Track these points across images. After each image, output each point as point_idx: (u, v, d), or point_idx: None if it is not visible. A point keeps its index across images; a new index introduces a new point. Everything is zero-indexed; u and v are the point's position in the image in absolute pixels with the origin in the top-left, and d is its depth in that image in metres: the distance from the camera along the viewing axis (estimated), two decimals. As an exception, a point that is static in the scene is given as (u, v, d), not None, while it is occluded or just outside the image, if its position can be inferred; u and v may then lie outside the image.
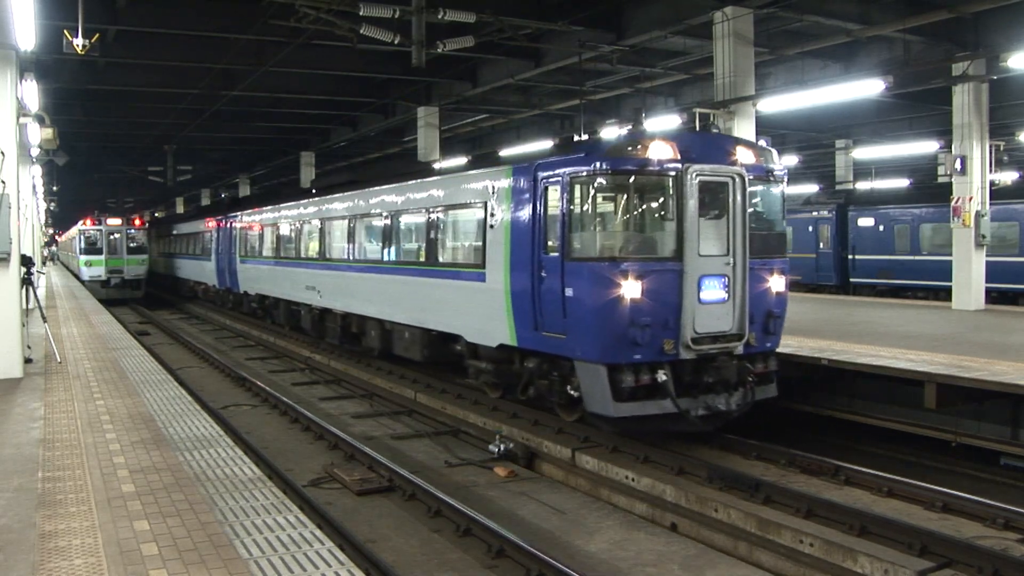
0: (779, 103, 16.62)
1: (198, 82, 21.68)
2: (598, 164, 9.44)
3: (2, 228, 10.75)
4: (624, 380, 9.19)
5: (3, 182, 10.70)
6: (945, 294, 20.21)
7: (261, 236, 23.12)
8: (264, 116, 28.55)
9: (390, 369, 16.23)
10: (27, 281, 13.41)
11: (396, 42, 14.41)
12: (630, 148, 9.41)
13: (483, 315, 11.46)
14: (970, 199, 17.57)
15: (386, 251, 14.86)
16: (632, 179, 9.47)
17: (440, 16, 14.00)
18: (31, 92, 13.83)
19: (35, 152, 21.47)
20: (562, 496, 9.42)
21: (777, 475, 9.03)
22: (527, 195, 10.48)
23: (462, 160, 15.94)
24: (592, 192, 9.65)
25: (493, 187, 11.33)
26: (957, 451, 10.31)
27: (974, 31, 17.07)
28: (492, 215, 11.26)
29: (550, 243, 9.99)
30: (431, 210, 13.18)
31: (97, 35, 13.29)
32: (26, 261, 13.06)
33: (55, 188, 43.10)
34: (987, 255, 18.18)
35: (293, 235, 20.16)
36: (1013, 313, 17.38)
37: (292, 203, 20.53)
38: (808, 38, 18.11)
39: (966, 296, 17.71)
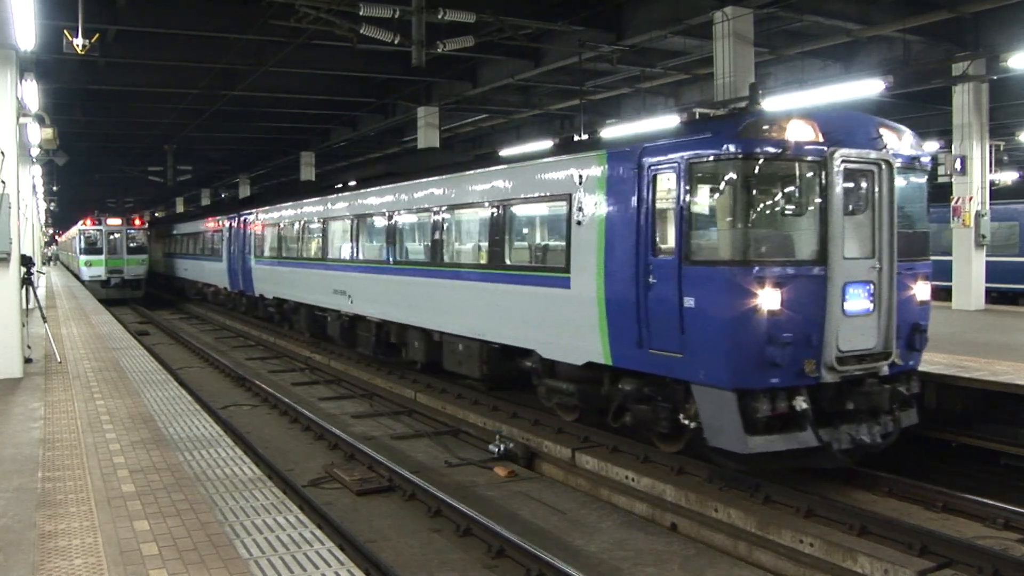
0: (779, 103, 16.58)
1: (198, 82, 21.68)
2: (729, 147, 7.92)
3: (2, 228, 10.76)
4: (758, 409, 7.76)
5: (3, 182, 10.71)
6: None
7: (280, 235, 21.42)
8: (264, 116, 28.55)
9: (390, 369, 16.23)
10: (27, 281, 13.42)
11: (396, 42, 14.41)
12: (766, 128, 7.95)
13: (565, 328, 9.97)
14: (970, 199, 17.58)
15: (436, 252, 13.16)
16: (769, 165, 8.00)
17: (440, 16, 14.00)
18: (31, 92, 13.84)
19: (35, 152, 21.48)
20: (562, 496, 9.42)
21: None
22: (629, 185, 8.93)
23: (537, 145, 14.23)
24: (721, 181, 8.05)
25: (581, 176, 9.76)
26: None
27: (974, 31, 17.07)
28: (579, 209, 9.72)
29: (661, 243, 8.55)
30: (496, 204, 11.54)
31: (97, 35, 13.30)
32: (26, 261, 13.06)
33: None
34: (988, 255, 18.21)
35: (319, 234, 18.41)
36: None
37: (317, 199, 18.84)
38: (808, 38, 18.12)
39: (966, 297, 17.74)
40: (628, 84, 21.99)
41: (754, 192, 8.02)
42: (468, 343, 12.38)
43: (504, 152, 15.22)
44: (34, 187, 28.71)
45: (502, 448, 10.62)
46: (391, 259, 14.75)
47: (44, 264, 44.12)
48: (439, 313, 13.06)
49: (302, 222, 19.60)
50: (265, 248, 22.72)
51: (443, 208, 13.09)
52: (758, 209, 8.13)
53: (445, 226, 13.14)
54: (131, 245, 35.29)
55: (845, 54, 19.51)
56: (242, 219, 25.05)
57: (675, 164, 8.39)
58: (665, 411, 8.93)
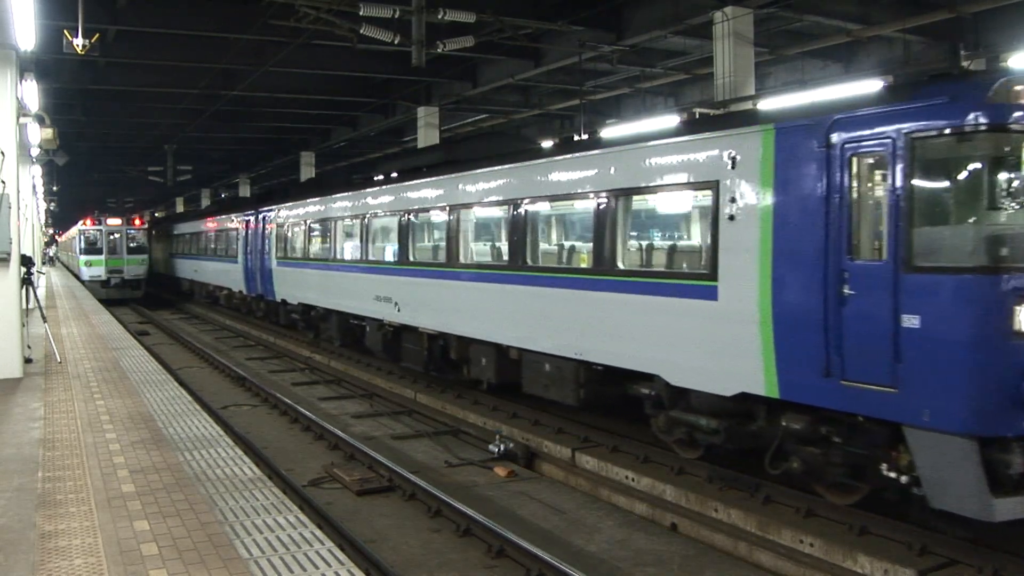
0: (779, 103, 16.55)
1: (198, 82, 21.68)
2: (978, 116, 6.13)
3: (2, 228, 10.77)
4: (1010, 462, 6.11)
5: (3, 182, 10.72)
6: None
7: (308, 234, 19.31)
8: (264, 116, 28.55)
9: (390, 369, 16.24)
10: (27, 281, 13.42)
11: (396, 42, 14.42)
12: (1020, 89, 6.19)
13: (707, 349, 8.08)
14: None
15: (516, 254, 11.09)
16: None
17: (440, 16, 14.01)
18: (31, 92, 13.84)
19: (35, 152, 21.51)
20: (562, 496, 9.42)
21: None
22: (811, 168, 7.13)
23: (655, 122, 11.57)
24: (964, 162, 6.30)
25: (734, 158, 7.88)
26: None
27: (974, 31, 17.07)
28: (732, 201, 7.85)
29: (864, 244, 6.80)
30: (603, 196, 9.56)
31: (97, 35, 13.31)
32: (26, 261, 13.07)
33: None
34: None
35: (358, 233, 16.28)
36: None
37: (355, 193, 16.63)
38: (808, 38, 18.12)
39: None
40: (628, 84, 21.99)
41: (1013, 178, 6.19)
42: (559, 363, 10.28)
43: (609, 132, 12.90)
44: (34, 187, 28.72)
45: (502, 448, 10.62)
46: (453, 262, 12.55)
47: (43, 264, 44.02)
48: (519, 326, 11.00)
49: (336, 219, 17.47)
50: (290, 248, 20.64)
51: (524, 201, 10.98)
52: (1020, 200, 6.23)
53: (528, 223, 11.02)
54: (131, 245, 35.31)
55: (845, 54, 19.51)
56: (261, 217, 22.98)
57: (887, 140, 6.55)
58: (846, 456, 7.23)
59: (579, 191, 10.22)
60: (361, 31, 14.28)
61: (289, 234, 20.74)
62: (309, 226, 19.31)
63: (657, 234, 10.63)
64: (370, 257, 15.74)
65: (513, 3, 15.96)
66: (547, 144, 12.48)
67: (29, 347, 12.54)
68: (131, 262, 35.13)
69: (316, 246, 19.04)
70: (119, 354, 13.75)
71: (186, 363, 19.18)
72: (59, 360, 12.65)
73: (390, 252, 15.12)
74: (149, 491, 6.25)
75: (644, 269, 9.57)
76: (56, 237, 74.40)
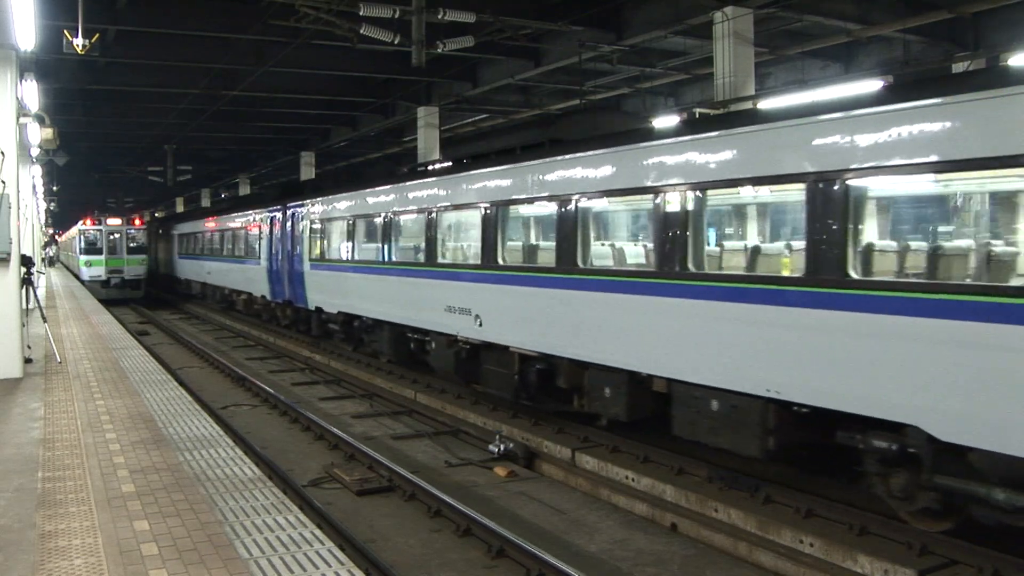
0: (779, 103, 16.53)
1: (198, 82, 21.68)
2: None
3: (2, 228, 10.76)
4: None
5: (3, 182, 10.72)
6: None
7: (353, 232, 16.67)
8: (264, 116, 28.54)
9: (390, 369, 16.23)
10: (27, 281, 13.42)
11: (396, 42, 14.43)
12: None
13: (1014, 394, 5.79)
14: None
15: (673, 256, 8.61)
16: None
17: (440, 16, 14.02)
18: (31, 92, 13.85)
19: (35, 152, 21.50)
20: (562, 496, 9.42)
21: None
22: None
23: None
24: None
25: None
26: None
27: (974, 31, 17.07)
28: None
29: None
30: (822, 180, 7.08)
31: (97, 35, 13.32)
32: (26, 261, 13.07)
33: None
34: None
35: (421, 230, 13.73)
36: None
37: (418, 183, 14.08)
38: (808, 38, 18.11)
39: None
40: (628, 84, 21.98)
41: None
42: (737, 402, 7.94)
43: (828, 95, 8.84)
44: (34, 187, 28.71)
45: (502, 448, 10.62)
46: (567, 266, 10.07)
47: (42, 263, 43.96)
48: (672, 351, 8.64)
49: (392, 215, 14.87)
50: (328, 249, 18.10)
51: (696, 187, 8.38)
52: None
53: (699, 217, 8.49)
54: (131, 245, 35.31)
55: (845, 54, 19.51)
56: (290, 213, 20.40)
57: None
58: None
59: (782, 173, 7.59)
60: (361, 31, 14.28)
61: (328, 232, 18.19)
62: (354, 223, 16.60)
63: (911, 232, 7.91)
64: (440, 259, 13.14)
65: (513, 3, 15.96)
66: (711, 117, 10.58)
67: (29, 347, 12.54)
68: (131, 262, 35.14)
69: (364, 246, 16.35)
70: (119, 354, 13.75)
71: (186, 363, 19.18)
72: (59, 360, 12.65)
73: (469, 253, 12.63)
74: (149, 491, 6.24)
75: (914, 279, 6.91)
76: (56, 237, 74.39)
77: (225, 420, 12.48)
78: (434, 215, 13.25)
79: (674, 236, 8.60)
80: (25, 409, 9.20)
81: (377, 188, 15.74)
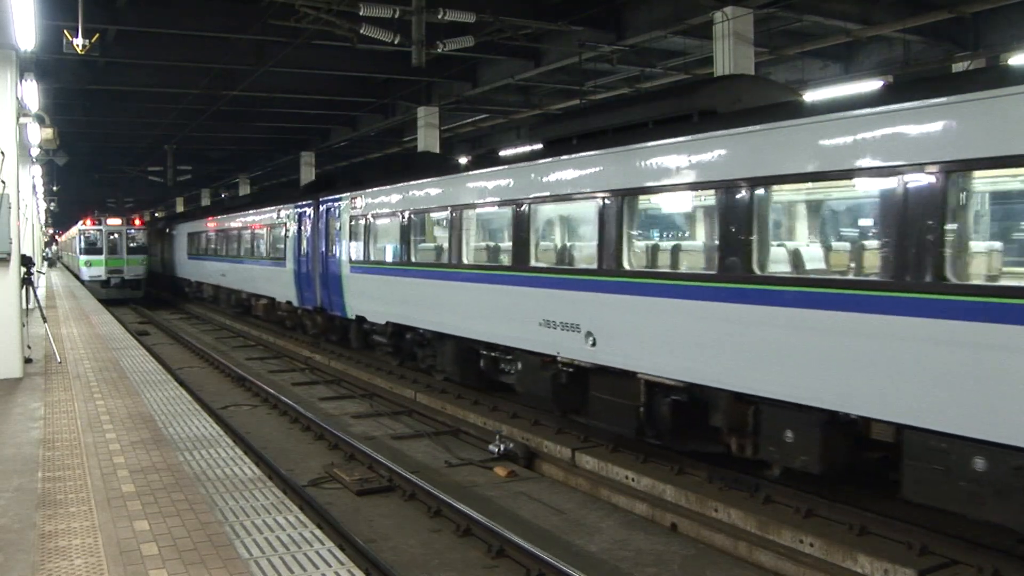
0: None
1: (198, 82, 21.68)
2: None
3: (2, 228, 10.77)
4: None
5: (3, 182, 10.72)
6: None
7: (406, 230, 14.38)
8: (264, 116, 28.54)
9: (390, 369, 16.23)
10: (27, 281, 13.42)
11: (396, 42, 14.42)
12: None
13: None
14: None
15: (919, 261, 6.42)
16: None
17: (440, 16, 14.01)
18: (31, 92, 13.85)
19: (35, 152, 21.51)
20: (562, 496, 9.42)
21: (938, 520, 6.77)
22: None
23: None
24: None
25: None
26: None
27: (974, 31, 17.07)
28: None
29: None
30: None
31: (97, 35, 13.32)
32: (26, 261, 13.07)
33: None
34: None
35: (505, 228, 12.01)
36: None
37: (499, 171, 11.84)
38: (808, 38, 18.11)
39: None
40: (628, 84, 21.98)
41: None
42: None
43: None
44: (34, 187, 28.72)
45: (502, 448, 10.62)
46: (740, 271, 7.85)
47: (43, 262, 43.92)
48: (912, 389, 6.42)
49: (465, 209, 12.50)
50: (375, 249, 15.86)
51: (956, 169, 6.20)
52: None
53: (960, 208, 6.30)
54: (131, 245, 35.32)
55: (845, 54, 19.51)
56: (324, 209, 18.35)
57: None
58: None
59: None
60: (361, 31, 14.28)
61: (374, 230, 15.90)
62: (410, 219, 14.30)
63: None
64: (534, 263, 10.85)
65: (513, 3, 15.96)
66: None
67: (29, 347, 12.54)
68: (131, 262, 35.15)
69: (424, 246, 14.28)
70: (119, 354, 13.75)
71: (186, 363, 19.18)
72: (59, 360, 12.65)
73: (579, 256, 10.57)
74: (149, 491, 6.24)
75: None
76: (56, 237, 74.39)
77: (225, 420, 12.49)
78: (526, 209, 10.86)
79: (925, 233, 6.33)
80: (25, 409, 9.20)
81: (443, 178, 13.34)
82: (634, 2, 16.82)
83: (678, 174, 8.66)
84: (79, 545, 5.14)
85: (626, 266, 9.24)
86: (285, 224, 21.01)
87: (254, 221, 24.30)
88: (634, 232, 9.48)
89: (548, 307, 10.42)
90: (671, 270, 9.18)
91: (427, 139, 24.54)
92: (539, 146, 11.46)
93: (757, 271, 7.78)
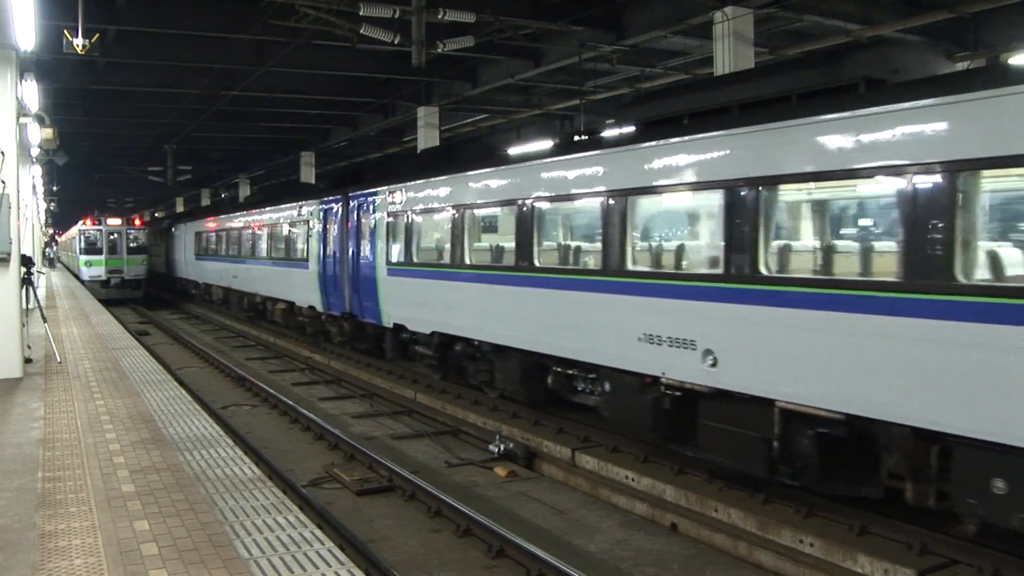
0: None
1: (198, 82, 21.69)
2: None
3: (2, 228, 10.77)
4: None
5: (3, 182, 10.72)
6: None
7: (459, 227, 12.61)
8: (264, 116, 28.55)
9: (390, 369, 16.23)
10: (27, 281, 13.42)
11: (396, 42, 14.43)
12: None
13: None
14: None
15: None
16: None
17: (440, 16, 14.02)
18: (31, 92, 13.85)
19: (35, 152, 21.52)
20: (562, 496, 9.42)
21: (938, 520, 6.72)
22: None
23: None
24: None
25: None
26: None
27: (974, 31, 17.06)
28: None
29: None
30: None
31: (97, 35, 13.32)
32: (26, 261, 13.07)
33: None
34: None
35: (590, 224, 10.54)
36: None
37: (581, 159, 10.09)
38: (808, 38, 18.12)
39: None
40: (628, 84, 21.98)
41: None
42: None
43: None
44: (34, 187, 28.73)
45: (502, 448, 10.62)
46: (938, 278, 6.30)
47: (43, 261, 43.90)
48: None
49: (536, 203, 10.89)
50: (418, 249, 14.23)
51: None
52: None
53: None
54: (131, 245, 35.32)
55: (845, 54, 19.49)
56: (355, 205, 16.66)
57: None
58: None
59: None
60: (361, 31, 14.28)
61: (416, 228, 14.23)
62: (464, 215, 12.54)
63: None
64: (631, 266, 9.26)
65: (513, 3, 15.96)
66: None
67: (29, 347, 12.54)
68: (131, 262, 35.14)
69: (480, 246, 12.71)
70: (119, 354, 13.75)
71: (186, 363, 19.18)
72: (59, 360, 12.65)
73: (693, 259, 8.97)
74: (149, 491, 6.24)
75: None
76: (56, 237, 74.39)
77: (225, 420, 12.48)
78: (620, 203, 9.29)
79: None
80: (25, 409, 9.20)
81: (509, 168, 11.68)
82: (634, 2, 16.83)
83: (841, 157, 7.00)
84: (79, 545, 5.14)
85: (764, 271, 7.62)
86: (308, 222, 19.32)
87: (272, 219, 22.56)
88: (777, 231, 7.95)
89: (651, 319, 8.83)
90: (836, 277, 7.41)
91: (427, 139, 24.53)
92: (631, 129, 9.76)
93: (962, 279, 6.12)
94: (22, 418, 8.73)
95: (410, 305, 14.24)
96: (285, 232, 21.35)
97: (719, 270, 8.07)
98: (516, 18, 15.63)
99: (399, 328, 14.73)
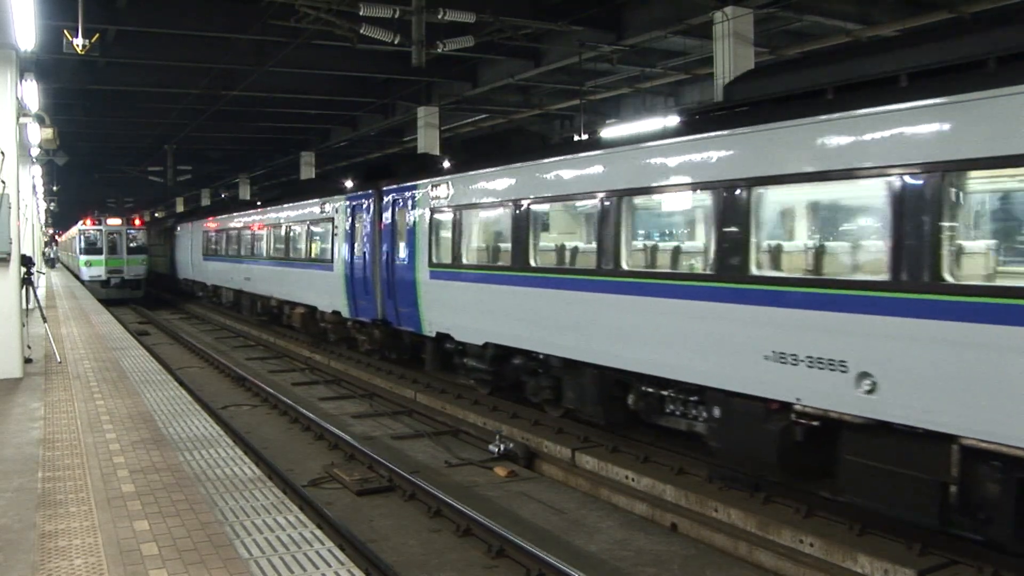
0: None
1: (198, 82, 21.70)
2: None
3: (2, 228, 10.77)
4: None
5: (3, 182, 10.72)
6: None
7: (522, 225, 11.00)
8: (264, 116, 28.57)
9: (390, 369, 16.23)
10: (27, 281, 13.42)
11: (396, 42, 14.44)
12: None
13: None
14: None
15: None
16: None
17: (440, 16, 14.03)
18: (31, 92, 13.85)
19: (35, 152, 21.52)
20: (562, 496, 9.42)
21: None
22: None
23: None
24: None
25: None
26: None
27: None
28: None
29: None
30: None
31: (97, 35, 13.32)
32: (26, 261, 13.07)
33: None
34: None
35: (703, 220, 8.80)
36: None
37: (691, 141, 8.51)
38: (808, 38, 18.12)
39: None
40: (628, 84, 21.99)
41: None
42: None
43: None
44: (34, 187, 28.72)
45: (502, 448, 10.61)
46: None
47: (43, 262, 43.91)
48: None
49: (623, 196, 9.33)
50: (468, 250, 12.64)
51: None
52: None
53: None
54: (131, 245, 35.32)
55: (845, 54, 19.50)
56: (391, 200, 14.97)
57: None
58: None
59: None
60: (361, 31, 14.30)
61: (468, 225, 12.64)
62: (528, 211, 10.90)
63: None
64: (756, 270, 7.77)
65: (513, 3, 15.97)
66: None
67: (29, 347, 12.54)
68: (131, 262, 35.14)
69: (550, 246, 11.20)
70: (119, 354, 13.75)
71: (186, 363, 19.18)
72: (59, 360, 12.65)
73: (849, 263, 7.55)
74: (149, 491, 6.24)
75: None
76: (56, 237, 74.38)
77: (225, 420, 12.48)
78: (739, 195, 7.80)
79: None
80: (25, 409, 9.20)
81: (589, 155, 10.00)
82: (634, 2, 16.84)
83: None
84: (79, 545, 5.14)
85: (949, 278, 6.17)
86: (333, 219, 17.64)
87: (290, 216, 20.79)
88: (975, 229, 6.69)
89: (783, 334, 7.38)
90: None
91: (427, 139, 24.54)
92: (743, 108, 8.21)
93: None
94: (22, 418, 8.73)
95: (458, 312, 12.66)
96: (306, 231, 19.67)
97: (884, 276, 6.57)
98: (516, 18, 15.64)
99: (442, 337, 13.26)
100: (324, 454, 11.10)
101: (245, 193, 44.26)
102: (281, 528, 5.61)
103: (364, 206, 16.17)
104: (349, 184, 17.83)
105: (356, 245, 16.44)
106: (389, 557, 7.38)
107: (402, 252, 14.42)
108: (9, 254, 10.99)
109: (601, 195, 9.60)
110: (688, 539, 8.08)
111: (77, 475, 6.65)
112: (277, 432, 12.40)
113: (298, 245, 20.29)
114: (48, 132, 16.56)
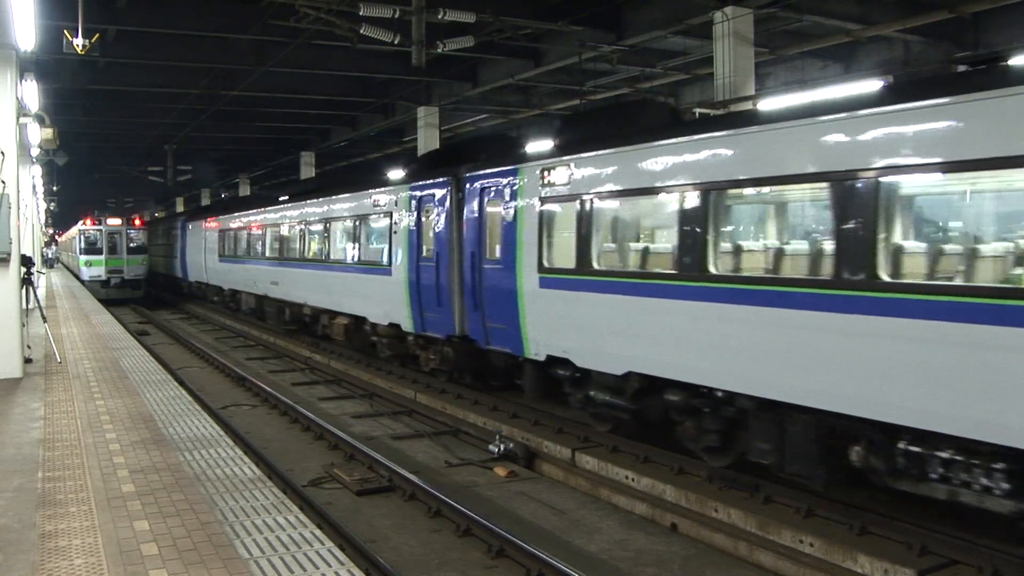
0: (779, 103, 15.91)
1: (198, 82, 21.71)
2: None
3: (2, 228, 10.77)
4: None
5: (3, 182, 10.72)
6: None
7: (697, 218, 8.17)
8: (264, 116, 28.59)
9: (390, 369, 16.22)
10: (27, 281, 13.43)
11: (396, 42, 14.45)
12: None
13: None
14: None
15: None
16: None
17: (440, 16, 14.03)
18: (31, 92, 13.86)
19: (35, 152, 21.52)
20: (562, 496, 9.41)
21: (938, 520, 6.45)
22: None
23: None
24: None
25: None
26: None
27: (974, 31, 17.07)
28: None
29: None
30: None
31: (97, 35, 13.34)
32: (26, 261, 13.08)
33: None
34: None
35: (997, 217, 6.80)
36: None
37: (930, 107, 6.05)
38: (808, 38, 18.13)
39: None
40: (628, 84, 21.99)
41: None
42: None
43: None
44: (34, 187, 28.73)
45: (502, 448, 10.61)
46: None
47: (43, 262, 43.92)
48: None
49: (884, 175, 6.45)
50: (600, 251, 9.86)
51: None
52: None
53: None
54: (131, 245, 35.33)
55: (845, 54, 19.52)
56: (478, 188, 12.14)
57: None
58: None
59: None
60: (361, 31, 14.31)
61: (603, 221, 9.96)
62: (707, 200, 8.10)
63: None
64: None
65: (513, 3, 15.98)
66: None
67: (29, 347, 12.54)
68: (131, 262, 35.15)
69: (730, 246, 8.42)
70: (119, 354, 13.75)
71: (186, 363, 19.18)
72: (59, 360, 12.65)
73: None
74: (149, 491, 6.24)
75: None
76: (56, 237, 74.36)
77: (225, 420, 12.48)
78: None
79: None
80: (25, 409, 9.20)
81: (812, 122, 7.15)
82: (634, 2, 16.85)
83: None
84: (79, 545, 5.14)
85: None
86: (391, 214, 14.71)
87: (331, 212, 17.79)
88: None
89: None
90: None
91: (427, 139, 24.55)
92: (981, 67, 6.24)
93: None
94: (22, 418, 8.74)
95: (583, 331, 9.89)
96: (352, 228, 16.70)
97: None
98: (516, 18, 15.65)
99: (554, 361, 10.53)
100: (324, 454, 11.10)
101: (245, 193, 44.23)
102: (281, 528, 5.61)
103: (437, 197, 13.18)
104: (397, 174, 15.27)
105: (424, 245, 13.61)
106: (389, 557, 7.38)
107: (495, 254, 11.66)
108: (9, 254, 10.99)
109: (840, 176, 6.70)
110: (688, 539, 8.07)
111: (77, 475, 6.65)
112: (277, 432, 12.40)
113: (342, 245, 17.36)
114: (48, 132, 16.56)
